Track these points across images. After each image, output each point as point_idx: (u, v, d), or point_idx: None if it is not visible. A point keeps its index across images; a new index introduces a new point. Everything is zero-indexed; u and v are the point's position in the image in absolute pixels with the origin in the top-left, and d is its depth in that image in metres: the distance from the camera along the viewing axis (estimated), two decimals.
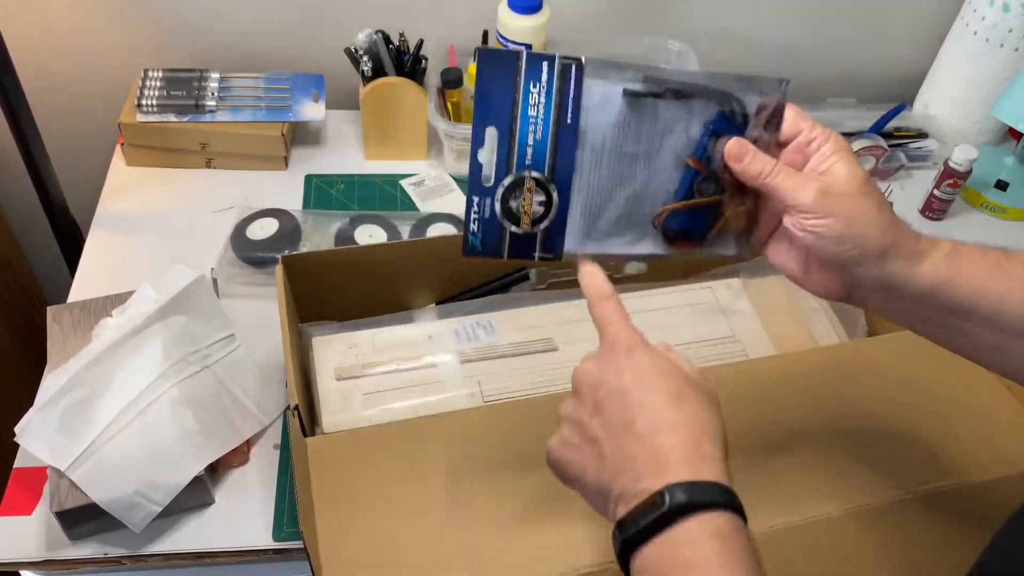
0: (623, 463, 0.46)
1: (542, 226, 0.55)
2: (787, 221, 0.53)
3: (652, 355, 0.50)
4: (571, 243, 0.56)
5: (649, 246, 0.57)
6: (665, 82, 0.55)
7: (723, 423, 0.48)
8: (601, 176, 0.55)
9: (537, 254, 0.56)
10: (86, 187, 1.15)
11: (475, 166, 0.54)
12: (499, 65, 0.53)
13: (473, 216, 0.55)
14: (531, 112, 0.54)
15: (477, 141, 0.54)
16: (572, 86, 0.54)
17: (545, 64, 0.53)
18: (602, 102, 0.54)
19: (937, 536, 0.66)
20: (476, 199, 0.55)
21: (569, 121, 0.54)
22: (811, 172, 0.53)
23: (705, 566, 0.42)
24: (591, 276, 0.54)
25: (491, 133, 0.54)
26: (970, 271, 0.51)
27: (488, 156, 0.54)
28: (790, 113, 0.55)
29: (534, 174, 0.55)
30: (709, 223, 0.57)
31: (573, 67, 0.54)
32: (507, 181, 0.54)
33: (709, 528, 0.43)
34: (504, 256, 0.56)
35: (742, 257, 0.59)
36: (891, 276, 0.52)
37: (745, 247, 0.58)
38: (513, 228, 0.55)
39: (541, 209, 0.55)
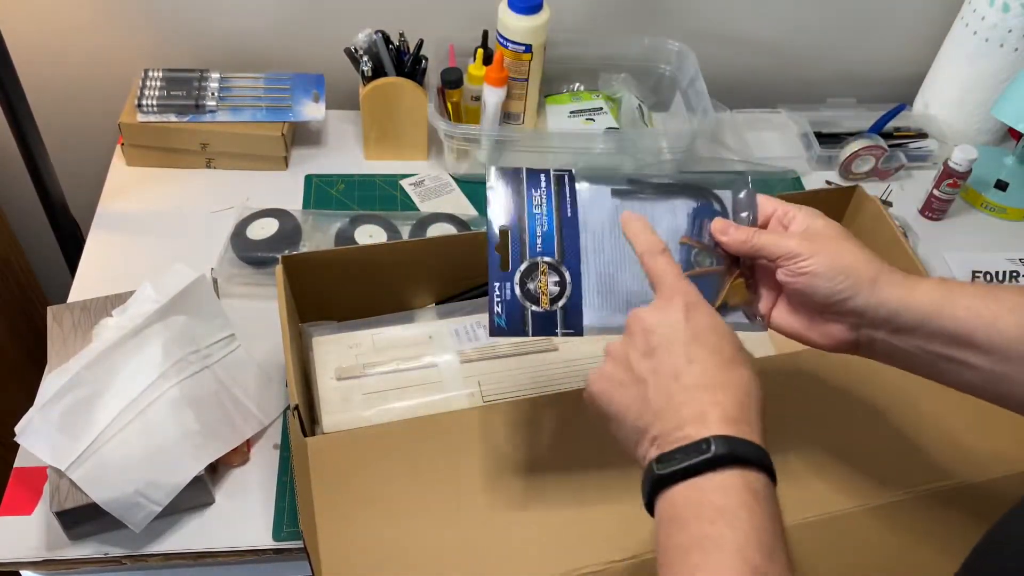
0: (667, 408, 0.48)
1: (560, 304, 0.61)
2: (780, 275, 0.57)
3: (710, 315, 0.52)
4: (590, 319, 0.61)
5: None
6: (647, 184, 0.64)
7: (763, 393, 0.50)
8: (606, 260, 0.62)
9: (560, 330, 0.61)
10: (86, 187, 1.15)
11: (493, 257, 0.62)
12: (506, 178, 0.64)
13: (496, 299, 0.61)
14: (536, 211, 0.63)
15: (492, 238, 0.62)
16: (567, 189, 0.64)
17: (542, 175, 0.64)
18: (593, 200, 0.63)
19: (937, 536, 0.66)
20: (497, 284, 0.61)
21: (569, 215, 0.63)
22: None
23: (734, 515, 0.44)
24: (639, 231, 0.57)
25: (504, 231, 0.62)
26: (961, 296, 0.53)
27: (506, 249, 0.62)
28: (762, 198, 0.62)
29: (546, 259, 0.62)
30: (714, 292, 0.61)
31: (566, 176, 0.64)
32: (523, 266, 0.61)
33: (744, 482, 0.45)
34: (529, 334, 0.61)
35: (756, 329, 0.62)
36: (889, 303, 0.54)
37: (755, 320, 0.62)
38: (534, 308, 0.61)
39: (557, 289, 0.61)
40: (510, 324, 0.61)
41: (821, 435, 0.71)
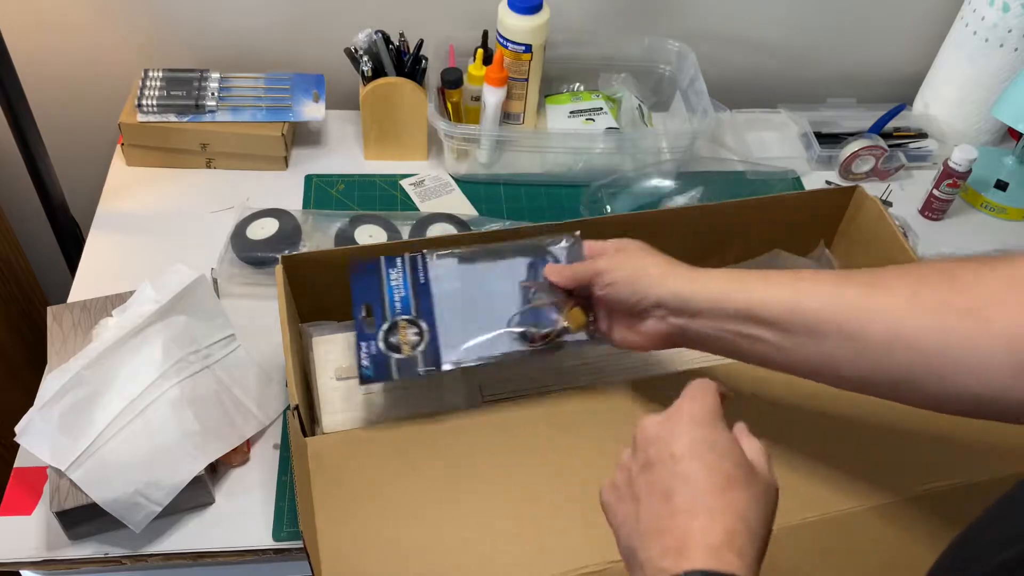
0: (653, 534, 0.46)
1: (419, 349, 0.71)
2: (596, 291, 0.68)
3: (714, 430, 0.50)
4: (447, 356, 0.71)
5: (512, 345, 0.72)
6: (489, 250, 0.76)
7: (770, 518, 0.48)
8: (457, 307, 0.74)
9: (422, 369, 0.71)
10: (86, 187, 1.15)
11: (358, 323, 0.73)
12: (366, 267, 0.76)
13: (363, 354, 0.71)
14: (394, 283, 0.75)
15: (358, 310, 0.74)
16: (420, 263, 0.76)
17: (398, 259, 0.76)
18: (444, 268, 0.76)
19: (937, 536, 0.66)
20: (363, 343, 0.72)
21: (422, 281, 0.75)
22: None
23: None
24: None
25: (368, 305, 0.74)
26: (747, 279, 0.60)
27: (368, 316, 0.73)
28: (588, 242, 0.72)
29: (404, 317, 0.73)
30: (552, 321, 0.72)
31: (419, 256, 0.76)
32: (385, 326, 0.73)
33: None
34: (394, 378, 0.71)
35: (597, 343, 0.73)
36: (679, 292, 0.62)
37: (595, 338, 0.72)
38: (397, 356, 0.71)
39: (417, 338, 0.72)
40: (376, 372, 0.70)
41: (819, 435, 0.71)
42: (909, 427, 0.72)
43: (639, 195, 1.07)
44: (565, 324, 0.71)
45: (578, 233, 0.75)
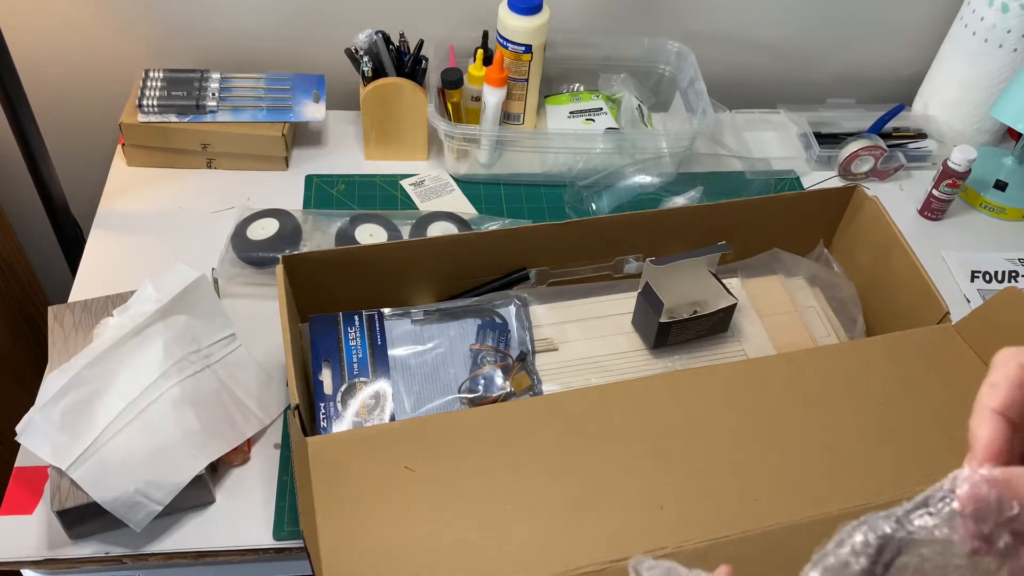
0: None
1: (375, 414, 0.74)
2: None
3: None
4: (402, 414, 0.75)
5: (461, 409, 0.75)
6: (441, 311, 0.82)
7: None
8: (412, 372, 0.77)
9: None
10: (87, 187, 1.16)
11: (317, 383, 0.76)
12: (324, 323, 0.80)
13: (321, 416, 0.74)
14: (352, 344, 0.79)
15: (316, 369, 0.77)
16: (378, 324, 0.80)
17: (356, 317, 0.80)
18: (400, 330, 0.80)
19: None
20: (321, 404, 0.75)
21: (380, 343, 0.79)
22: None
23: None
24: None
25: (326, 364, 0.77)
26: None
27: (327, 377, 0.76)
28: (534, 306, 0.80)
29: (361, 379, 0.77)
30: (499, 385, 0.78)
31: (375, 315, 0.81)
32: (343, 388, 0.76)
33: None
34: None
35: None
36: None
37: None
38: (354, 419, 0.74)
39: (372, 402, 0.75)
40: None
41: (820, 434, 0.71)
42: (913, 425, 0.72)
43: (623, 193, 1.07)
44: (511, 388, 0.77)
45: (524, 301, 0.83)
